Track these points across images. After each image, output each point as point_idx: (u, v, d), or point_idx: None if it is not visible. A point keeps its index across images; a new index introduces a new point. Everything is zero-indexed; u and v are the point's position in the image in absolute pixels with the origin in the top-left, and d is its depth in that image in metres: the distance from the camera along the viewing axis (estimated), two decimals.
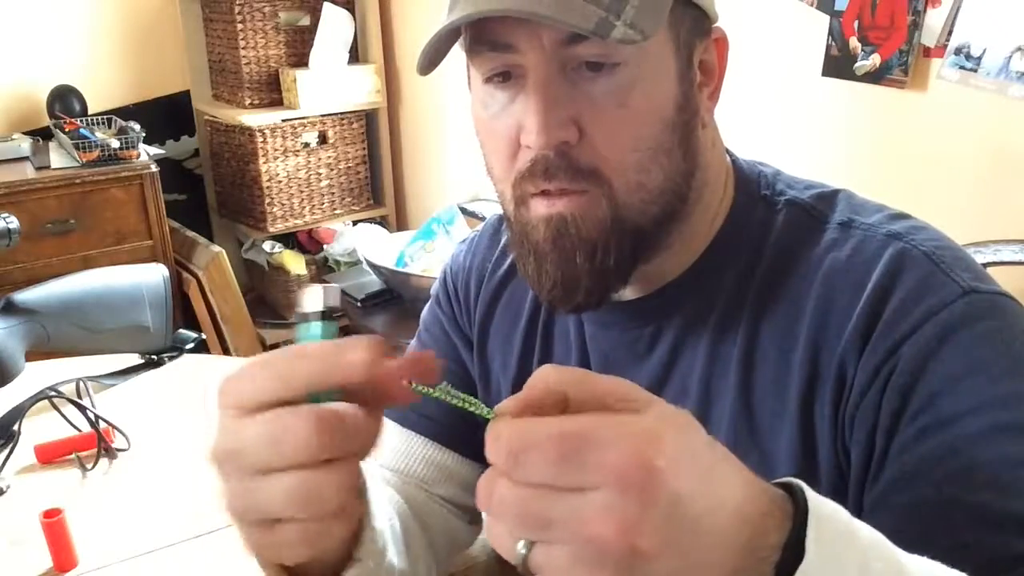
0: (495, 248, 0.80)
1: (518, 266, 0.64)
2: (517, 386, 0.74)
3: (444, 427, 0.78)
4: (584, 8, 0.52)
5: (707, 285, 0.64)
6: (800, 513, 0.38)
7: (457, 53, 0.63)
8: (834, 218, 0.62)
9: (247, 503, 0.41)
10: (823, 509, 0.38)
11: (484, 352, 0.78)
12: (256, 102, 2.64)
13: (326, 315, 0.43)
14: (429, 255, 2.18)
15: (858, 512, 0.58)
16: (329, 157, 2.72)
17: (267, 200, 2.62)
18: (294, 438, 0.39)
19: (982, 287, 0.57)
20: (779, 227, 0.63)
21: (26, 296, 1.14)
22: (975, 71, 1.31)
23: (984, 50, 1.30)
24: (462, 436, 0.78)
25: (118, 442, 1.03)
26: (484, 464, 0.78)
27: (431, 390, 0.42)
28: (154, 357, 1.24)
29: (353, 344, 0.40)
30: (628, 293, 0.65)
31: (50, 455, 1.01)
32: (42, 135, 2.54)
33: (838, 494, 0.59)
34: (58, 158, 2.37)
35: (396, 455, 0.80)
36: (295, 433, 0.39)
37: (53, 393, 1.07)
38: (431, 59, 0.60)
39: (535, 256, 0.60)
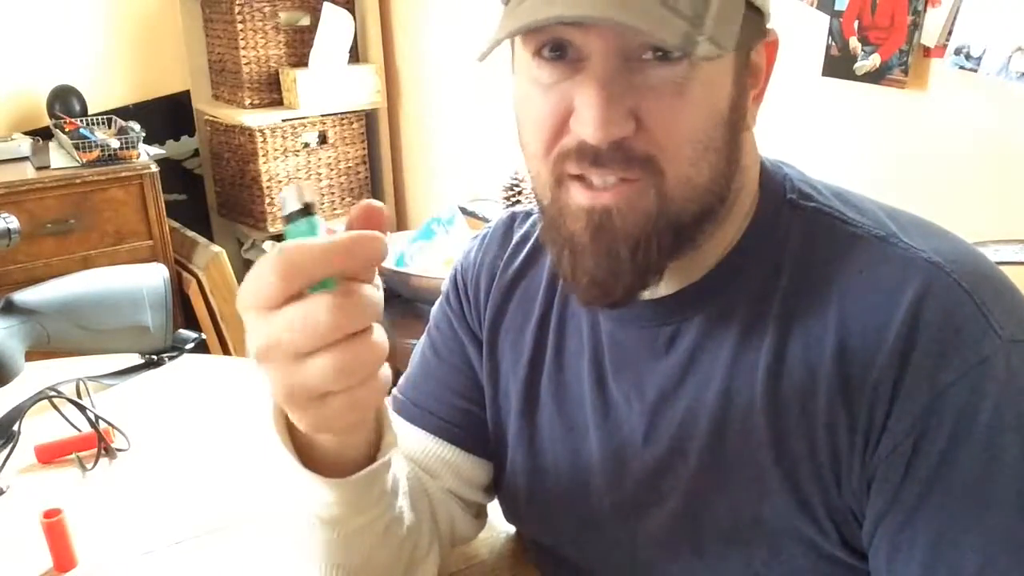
0: (507, 246, 0.79)
1: (552, 257, 0.62)
2: (527, 385, 0.75)
3: (446, 423, 0.78)
4: (670, 20, 0.51)
5: (731, 288, 0.63)
6: None
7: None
8: (868, 228, 0.61)
9: (294, 386, 0.46)
10: None
11: (495, 351, 0.77)
12: (256, 102, 2.64)
13: (307, 210, 0.48)
14: (429, 254, 2.18)
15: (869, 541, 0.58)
16: (329, 157, 2.72)
17: (267, 200, 2.62)
18: (319, 322, 0.44)
19: (1020, 336, 0.55)
20: (807, 234, 0.62)
21: (26, 296, 1.14)
22: (975, 71, 1.31)
23: (984, 50, 1.29)
24: (465, 433, 0.78)
25: (118, 442, 1.03)
26: (488, 460, 0.78)
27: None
28: (154, 357, 1.24)
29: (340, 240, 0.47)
30: (650, 291, 0.64)
31: (50, 455, 1.01)
32: (42, 135, 2.54)
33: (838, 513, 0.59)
34: (58, 158, 2.37)
35: (400, 445, 0.79)
36: (318, 318, 0.44)
37: (53, 393, 1.07)
38: (491, 48, 0.57)
39: (571, 249, 0.59)
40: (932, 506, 0.55)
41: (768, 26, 0.61)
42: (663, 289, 0.64)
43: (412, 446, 0.79)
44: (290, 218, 0.48)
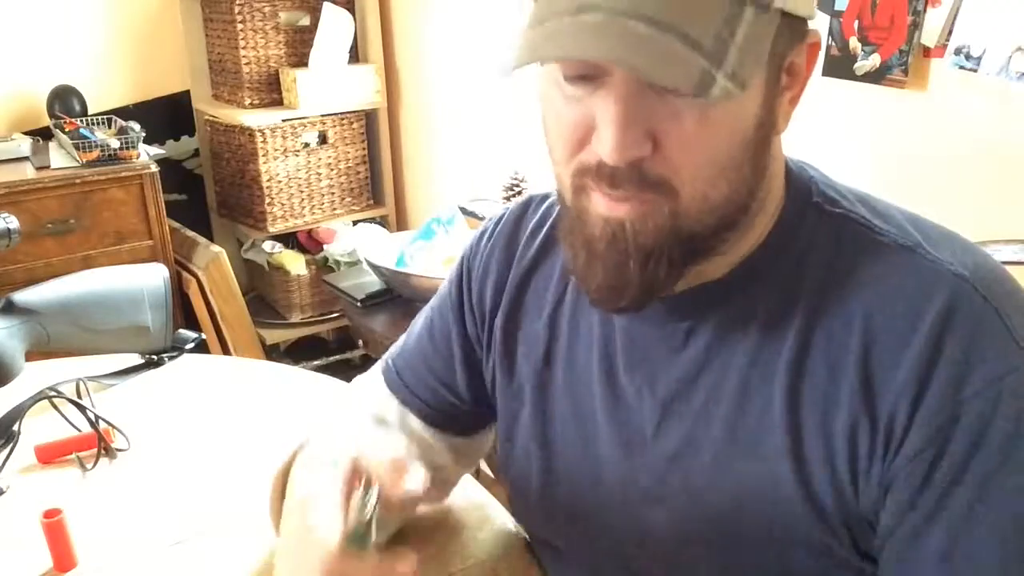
0: (521, 233, 0.78)
1: (567, 253, 0.62)
2: (540, 376, 0.75)
3: (425, 404, 0.83)
4: (686, 59, 0.49)
5: (751, 288, 0.63)
6: None
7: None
8: (894, 236, 0.61)
9: None
10: None
11: (510, 341, 0.77)
12: (256, 102, 2.64)
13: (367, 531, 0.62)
14: (429, 254, 2.18)
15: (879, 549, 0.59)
16: (329, 157, 2.72)
17: (267, 200, 2.62)
18: None
19: None
20: (833, 239, 0.62)
21: (26, 296, 1.14)
22: (975, 71, 1.31)
23: (984, 50, 1.29)
24: (441, 416, 0.83)
25: (118, 442, 1.03)
26: (459, 437, 0.85)
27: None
28: (154, 357, 1.24)
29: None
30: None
31: (50, 455, 1.01)
32: (42, 135, 2.54)
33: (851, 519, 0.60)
34: (58, 158, 2.37)
35: (377, 410, 0.85)
36: None
37: (53, 393, 1.07)
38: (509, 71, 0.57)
39: (587, 251, 0.59)
40: (946, 514, 0.55)
41: (810, 27, 0.59)
42: (682, 286, 0.64)
43: (389, 415, 0.83)
44: (355, 529, 0.62)
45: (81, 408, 1.03)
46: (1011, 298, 0.58)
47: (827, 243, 0.62)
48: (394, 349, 0.88)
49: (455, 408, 0.83)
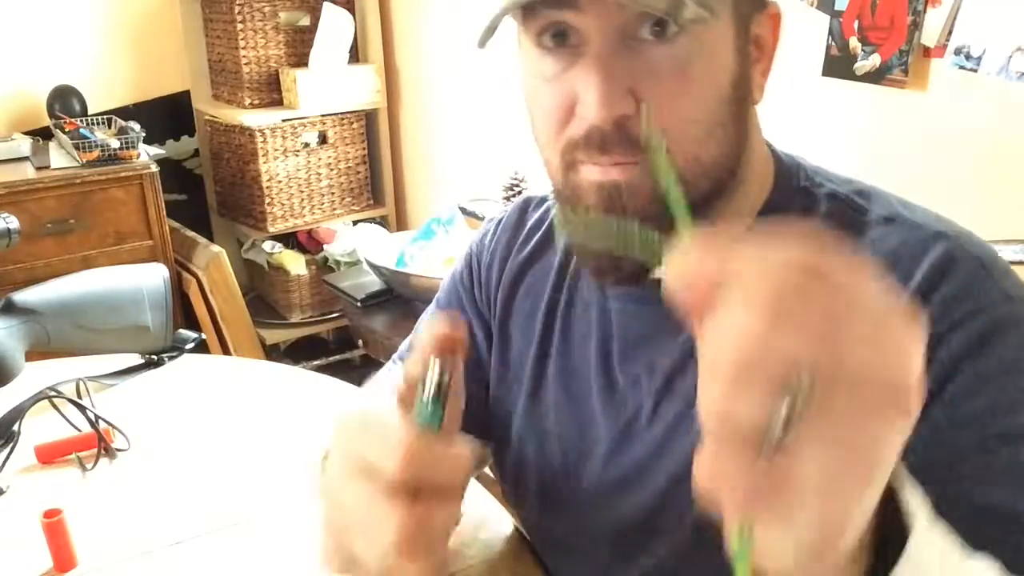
0: (520, 231, 0.80)
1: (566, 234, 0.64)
2: (536, 368, 0.76)
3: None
4: None
5: None
6: None
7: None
8: (877, 212, 0.62)
9: (340, 552, 0.46)
10: None
11: (505, 334, 0.79)
12: (256, 102, 2.64)
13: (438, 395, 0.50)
14: (429, 254, 2.18)
15: None
16: (329, 157, 2.72)
17: (267, 200, 2.62)
18: (382, 531, 0.43)
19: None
20: (820, 218, 0.63)
21: (26, 296, 1.14)
22: (975, 71, 1.31)
23: (984, 50, 1.29)
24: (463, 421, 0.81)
25: (118, 442, 1.03)
26: (472, 433, 0.78)
27: None
28: (154, 357, 1.24)
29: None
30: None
31: (50, 455, 1.01)
32: (42, 135, 2.54)
33: None
34: (58, 158, 2.37)
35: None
36: (382, 526, 0.43)
37: (53, 393, 1.07)
38: (489, 33, 0.58)
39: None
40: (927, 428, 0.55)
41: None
42: None
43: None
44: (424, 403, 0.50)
45: (81, 408, 1.03)
46: (999, 262, 0.59)
47: (816, 223, 0.62)
48: (401, 352, 0.88)
49: (468, 403, 0.82)
